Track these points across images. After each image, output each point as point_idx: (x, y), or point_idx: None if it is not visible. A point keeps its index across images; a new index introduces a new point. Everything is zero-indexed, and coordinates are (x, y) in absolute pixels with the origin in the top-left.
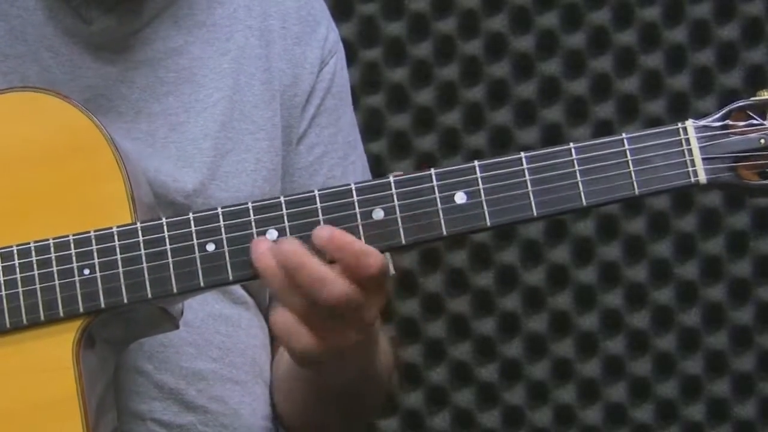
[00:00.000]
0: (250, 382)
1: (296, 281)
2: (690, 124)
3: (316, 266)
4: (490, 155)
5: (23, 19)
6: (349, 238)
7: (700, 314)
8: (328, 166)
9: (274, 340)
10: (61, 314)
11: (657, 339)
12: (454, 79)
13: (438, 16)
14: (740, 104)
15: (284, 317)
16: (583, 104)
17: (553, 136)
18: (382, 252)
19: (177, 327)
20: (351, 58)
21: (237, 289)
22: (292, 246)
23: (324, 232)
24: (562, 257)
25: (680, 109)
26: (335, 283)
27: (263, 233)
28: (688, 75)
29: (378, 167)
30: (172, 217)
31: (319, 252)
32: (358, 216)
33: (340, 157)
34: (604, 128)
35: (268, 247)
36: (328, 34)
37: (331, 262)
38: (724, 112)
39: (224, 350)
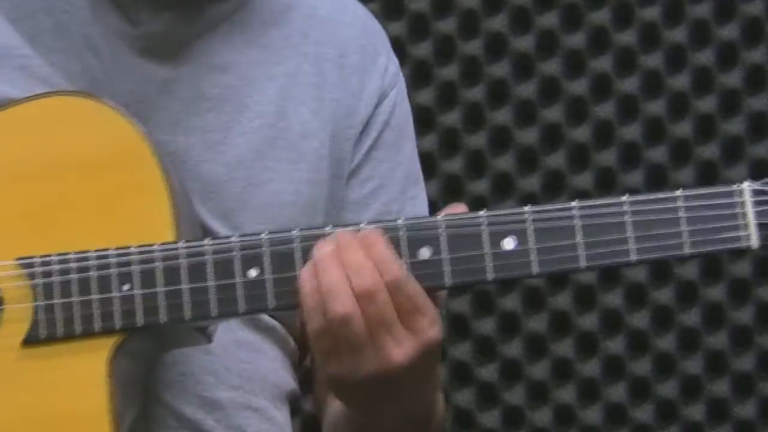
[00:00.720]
0: (270, 408)
1: (344, 266)
2: (746, 187)
3: (356, 251)
4: (490, 155)
5: (70, 14)
6: (383, 242)
7: (700, 314)
8: (383, 201)
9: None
10: (97, 329)
11: (657, 339)
12: (454, 79)
13: (438, 16)
14: None
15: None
16: (583, 104)
17: (553, 136)
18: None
19: (210, 341)
20: None
21: (263, 315)
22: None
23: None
24: None
25: (680, 110)
26: (369, 272)
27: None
28: (688, 75)
29: None
30: (216, 240)
31: None
32: (405, 253)
33: (397, 191)
34: (604, 128)
35: (326, 240)
36: (388, 65)
37: None
38: None
39: (245, 378)
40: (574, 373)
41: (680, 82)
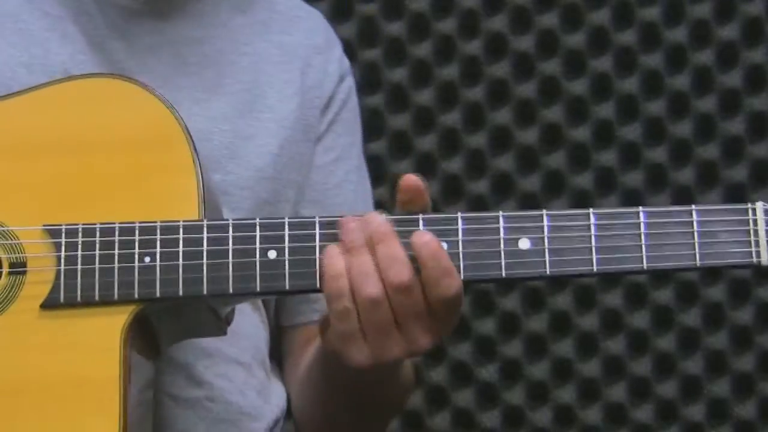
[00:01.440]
0: (255, 367)
1: (377, 254)
2: (760, 206)
3: (396, 244)
4: (490, 155)
5: None
6: (442, 250)
7: (700, 314)
8: (344, 170)
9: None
10: (116, 297)
11: (657, 339)
12: (454, 79)
13: (438, 16)
14: None
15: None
16: (583, 104)
17: (553, 136)
18: None
19: (225, 333)
20: (351, 58)
21: None
22: (381, 219)
23: (424, 236)
24: None
25: (680, 110)
26: (406, 266)
27: (326, 247)
28: (688, 75)
29: (378, 167)
30: (239, 220)
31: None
32: None
33: (355, 165)
34: (604, 128)
35: (357, 224)
36: (341, 56)
37: None
38: None
39: (232, 331)
40: (574, 373)
41: (680, 82)
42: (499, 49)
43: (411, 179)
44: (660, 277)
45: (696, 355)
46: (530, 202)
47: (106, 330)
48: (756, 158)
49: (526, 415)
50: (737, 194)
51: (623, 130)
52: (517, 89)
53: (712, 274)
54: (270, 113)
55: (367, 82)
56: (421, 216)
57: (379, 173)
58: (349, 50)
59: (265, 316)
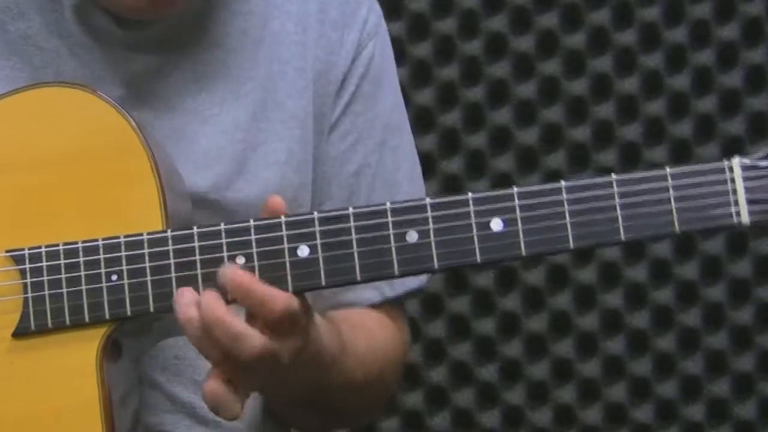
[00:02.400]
0: (262, 398)
1: (214, 337)
2: (736, 162)
3: (232, 323)
4: (490, 155)
5: (59, 14)
6: (253, 282)
7: (700, 314)
8: (362, 153)
9: None
10: (87, 320)
11: (657, 339)
12: (454, 79)
13: (438, 16)
14: None
15: (214, 386)
16: (583, 104)
17: (553, 136)
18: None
19: None
20: None
21: None
22: (212, 300)
23: (227, 273)
24: (561, 257)
25: (680, 110)
26: (253, 338)
27: (295, 249)
28: (688, 75)
29: None
30: (204, 227)
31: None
32: (392, 237)
33: (376, 143)
34: (604, 128)
35: (192, 299)
36: (368, 16)
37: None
38: None
39: None
40: (574, 373)
41: (680, 82)
42: (499, 49)
43: (275, 203)
44: (660, 276)
45: (696, 355)
46: None
47: (80, 355)
48: None
49: (526, 415)
50: None
51: (623, 130)
52: (517, 89)
53: (712, 273)
54: (280, 112)
55: None
56: (388, 205)
57: None
58: None
59: None
